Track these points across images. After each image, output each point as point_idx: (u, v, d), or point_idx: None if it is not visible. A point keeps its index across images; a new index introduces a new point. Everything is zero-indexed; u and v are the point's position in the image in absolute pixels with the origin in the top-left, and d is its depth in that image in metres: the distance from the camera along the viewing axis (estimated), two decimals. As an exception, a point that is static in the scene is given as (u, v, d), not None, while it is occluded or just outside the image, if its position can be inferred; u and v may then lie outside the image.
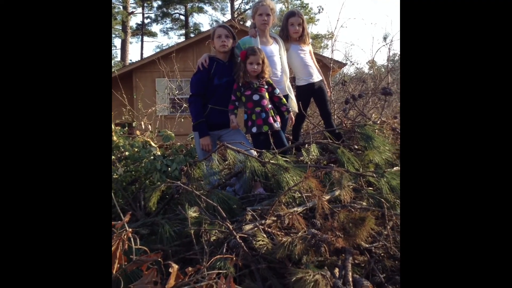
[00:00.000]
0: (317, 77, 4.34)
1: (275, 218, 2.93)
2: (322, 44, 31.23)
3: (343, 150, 3.62)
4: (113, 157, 3.98)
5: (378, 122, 4.53)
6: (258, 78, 3.88)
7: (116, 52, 34.64)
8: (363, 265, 2.97)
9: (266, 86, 3.90)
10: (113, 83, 13.17)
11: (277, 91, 3.96)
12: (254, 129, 3.86)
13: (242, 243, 2.69)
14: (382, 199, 3.29)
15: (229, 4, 35.44)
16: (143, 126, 5.11)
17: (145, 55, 35.77)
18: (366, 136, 3.78)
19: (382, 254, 3.09)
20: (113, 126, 4.11)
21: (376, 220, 3.44)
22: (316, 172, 2.90)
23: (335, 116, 5.24)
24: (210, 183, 3.71)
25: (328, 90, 4.50)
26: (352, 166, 3.56)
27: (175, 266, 2.12)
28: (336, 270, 2.70)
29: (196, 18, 34.84)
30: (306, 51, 4.33)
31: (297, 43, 4.29)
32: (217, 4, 35.35)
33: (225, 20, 27.91)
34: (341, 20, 20.25)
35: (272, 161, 3.36)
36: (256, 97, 3.86)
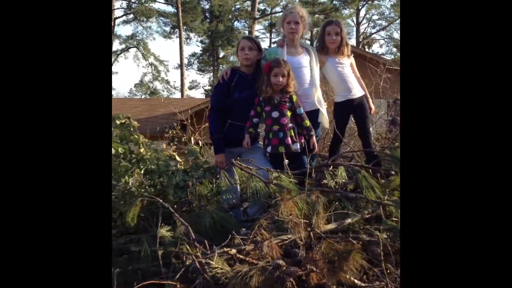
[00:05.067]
0: (358, 92, 3.92)
1: (253, 245, 2.63)
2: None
3: (364, 175, 3.20)
4: (138, 170, 3.92)
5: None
6: (282, 93, 3.58)
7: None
8: (353, 308, 2.56)
9: (288, 104, 3.58)
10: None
11: (301, 110, 3.60)
12: (269, 149, 3.57)
13: (206, 269, 2.44)
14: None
15: (354, 28, 34.94)
16: (192, 141, 5.02)
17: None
18: (397, 159, 3.31)
19: (382, 296, 2.65)
20: (141, 138, 4.07)
21: (389, 256, 3.00)
22: (301, 195, 2.56)
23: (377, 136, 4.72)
24: (225, 201, 3.50)
25: (371, 107, 4.06)
26: (372, 192, 3.13)
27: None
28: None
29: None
30: (345, 64, 3.94)
31: (335, 56, 3.92)
32: (343, 29, 34.97)
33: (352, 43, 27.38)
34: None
35: (276, 182, 3.06)
36: (275, 114, 3.56)
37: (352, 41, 34.47)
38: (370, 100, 4.08)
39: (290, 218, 2.41)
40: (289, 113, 3.58)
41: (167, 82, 34.48)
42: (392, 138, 4.42)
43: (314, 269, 2.36)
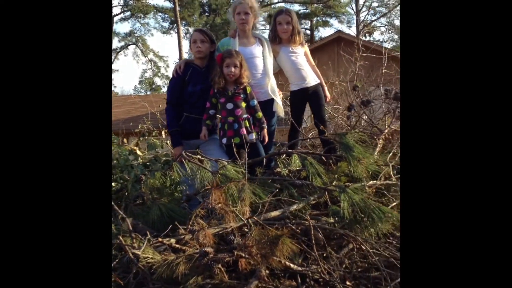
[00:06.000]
0: (313, 80, 3.96)
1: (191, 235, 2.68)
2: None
3: (311, 161, 3.24)
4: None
5: (386, 130, 3.98)
6: (235, 84, 3.62)
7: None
8: (287, 292, 2.62)
9: (242, 95, 3.62)
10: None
11: (254, 102, 3.65)
12: (224, 140, 3.62)
13: (138, 259, 2.49)
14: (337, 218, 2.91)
15: (354, 16, 34.67)
16: (163, 136, 5.07)
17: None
18: (345, 146, 3.34)
19: (320, 281, 2.70)
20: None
21: (334, 240, 3.06)
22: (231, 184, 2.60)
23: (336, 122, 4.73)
24: (182, 192, 3.57)
25: (327, 95, 4.09)
26: (319, 178, 3.18)
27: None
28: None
29: (321, 32, 34.39)
30: (299, 53, 3.97)
31: (288, 45, 3.95)
32: (343, 17, 34.74)
33: (351, 33, 26.70)
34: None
35: (222, 172, 3.10)
36: (230, 105, 3.60)
37: (353, 30, 34.18)
38: (326, 88, 4.12)
39: (218, 206, 2.45)
40: (243, 104, 3.63)
41: (167, 77, 34.49)
42: (351, 126, 4.45)
43: (243, 255, 2.41)
